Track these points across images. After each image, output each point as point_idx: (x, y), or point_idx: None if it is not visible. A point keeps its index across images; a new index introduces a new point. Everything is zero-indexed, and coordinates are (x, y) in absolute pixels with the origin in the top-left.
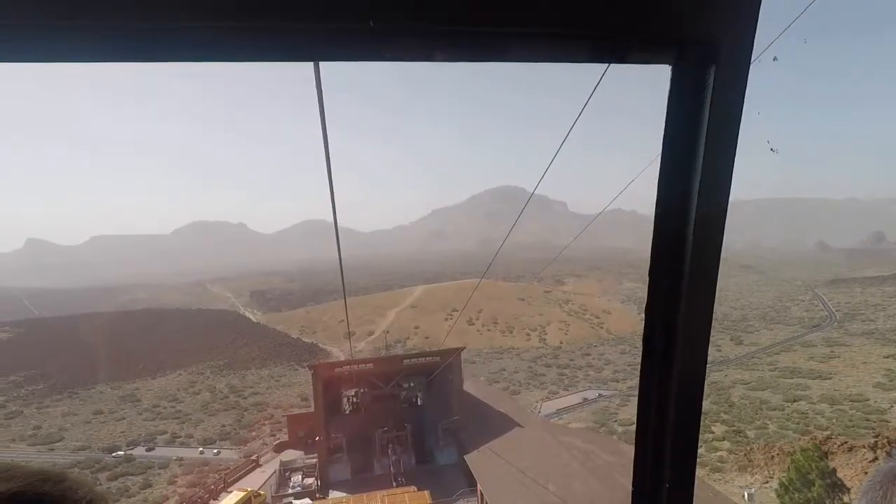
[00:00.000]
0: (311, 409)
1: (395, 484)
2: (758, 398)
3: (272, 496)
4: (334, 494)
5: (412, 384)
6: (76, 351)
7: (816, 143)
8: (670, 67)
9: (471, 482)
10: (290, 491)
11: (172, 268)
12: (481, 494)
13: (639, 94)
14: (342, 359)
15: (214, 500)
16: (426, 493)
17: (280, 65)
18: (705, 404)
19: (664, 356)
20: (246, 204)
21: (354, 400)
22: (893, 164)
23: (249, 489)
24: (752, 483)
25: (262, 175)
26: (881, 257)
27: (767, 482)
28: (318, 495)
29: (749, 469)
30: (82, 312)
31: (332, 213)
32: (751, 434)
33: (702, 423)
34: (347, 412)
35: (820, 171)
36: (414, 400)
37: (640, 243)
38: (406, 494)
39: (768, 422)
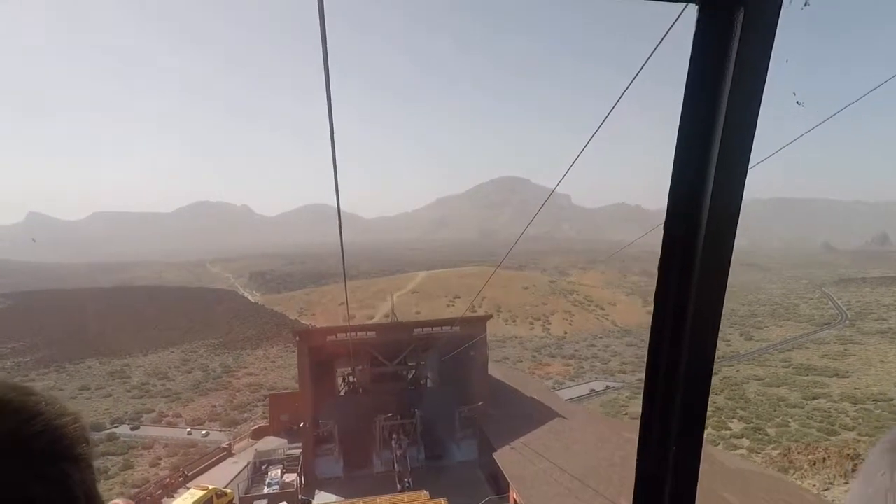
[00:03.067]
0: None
1: (399, 486)
2: (774, 395)
3: (240, 497)
4: (322, 497)
5: (424, 360)
6: (68, 325)
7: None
8: (696, 8)
9: (498, 486)
10: (266, 490)
11: (173, 246)
12: None
13: (656, 92)
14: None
15: (169, 497)
16: (443, 501)
17: (292, 47)
18: (719, 400)
19: (673, 340)
20: (250, 186)
21: (351, 378)
22: None
23: (211, 487)
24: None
25: (267, 158)
26: (886, 259)
27: (827, 489)
28: (300, 497)
29: (791, 472)
30: (77, 287)
31: (335, 198)
32: (771, 432)
33: (718, 419)
34: (342, 393)
35: (826, 172)
36: (425, 380)
37: (644, 238)
38: (417, 503)
39: (789, 419)
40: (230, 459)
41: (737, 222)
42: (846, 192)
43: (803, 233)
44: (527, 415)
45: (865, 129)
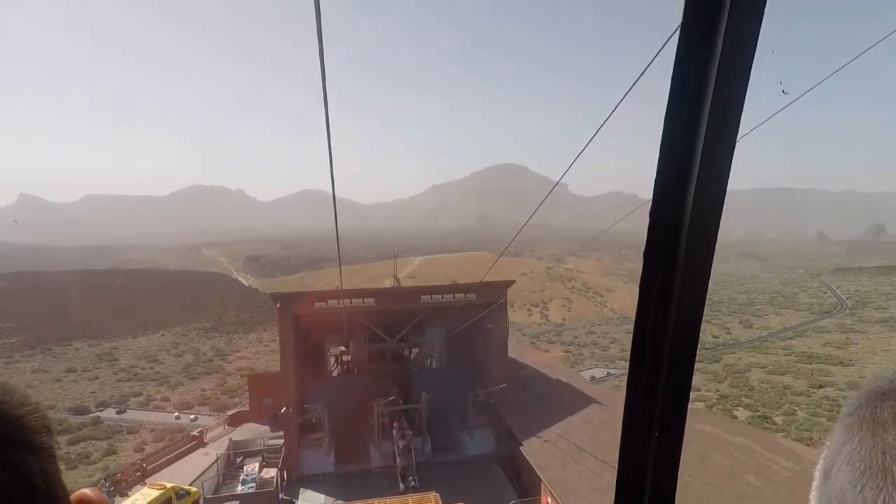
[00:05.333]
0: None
1: (403, 485)
2: (779, 383)
3: (207, 497)
4: (308, 498)
5: (431, 335)
6: (57, 307)
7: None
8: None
9: (522, 485)
10: (239, 488)
11: (167, 230)
12: None
13: (652, 83)
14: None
15: (122, 496)
16: None
17: (288, 28)
18: (723, 387)
19: (657, 328)
20: (245, 170)
21: (344, 357)
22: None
23: (170, 485)
24: None
25: (263, 143)
26: (882, 249)
27: None
28: (281, 497)
29: None
30: (67, 269)
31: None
32: (778, 420)
33: (723, 407)
34: (334, 373)
35: (818, 162)
36: (430, 359)
37: (639, 226)
38: None
39: (795, 408)
40: (201, 450)
41: (721, 208)
42: (839, 183)
43: (797, 223)
44: (556, 400)
45: (859, 119)
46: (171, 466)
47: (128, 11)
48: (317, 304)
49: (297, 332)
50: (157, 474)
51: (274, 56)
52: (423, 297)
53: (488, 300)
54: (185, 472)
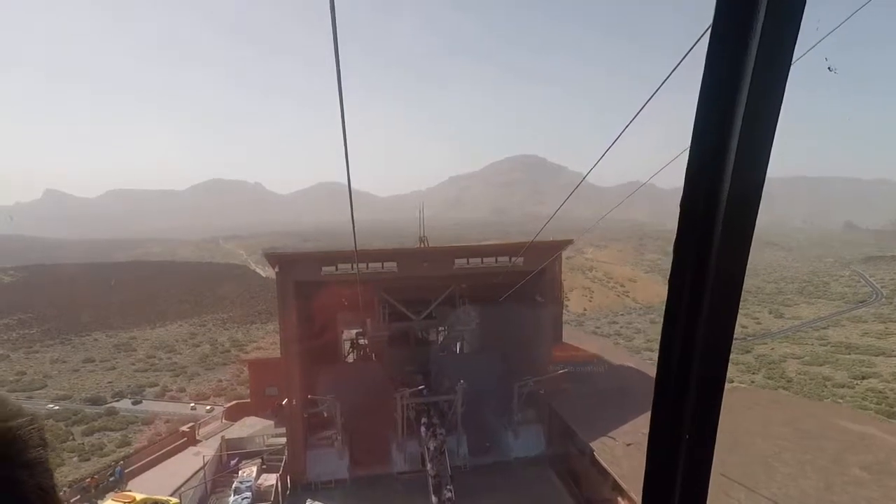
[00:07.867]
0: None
1: (435, 498)
2: (818, 374)
3: None
4: None
5: (464, 311)
6: (77, 298)
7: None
8: None
9: (587, 499)
10: (231, 499)
11: (187, 223)
12: None
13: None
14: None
15: None
16: None
17: (309, 25)
18: (757, 378)
19: (688, 326)
20: (263, 164)
21: (360, 339)
22: None
23: (140, 497)
24: None
25: (281, 136)
26: None
27: None
28: None
29: None
30: (89, 261)
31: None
32: None
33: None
34: (348, 357)
35: (848, 149)
36: (461, 342)
37: (657, 217)
38: None
39: (839, 400)
40: (191, 449)
41: (759, 199)
42: (869, 171)
43: (825, 211)
44: (626, 391)
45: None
46: (154, 469)
47: (147, 5)
48: (324, 268)
49: (301, 304)
50: (135, 479)
51: (292, 46)
52: (457, 260)
53: (534, 267)
54: (169, 477)
